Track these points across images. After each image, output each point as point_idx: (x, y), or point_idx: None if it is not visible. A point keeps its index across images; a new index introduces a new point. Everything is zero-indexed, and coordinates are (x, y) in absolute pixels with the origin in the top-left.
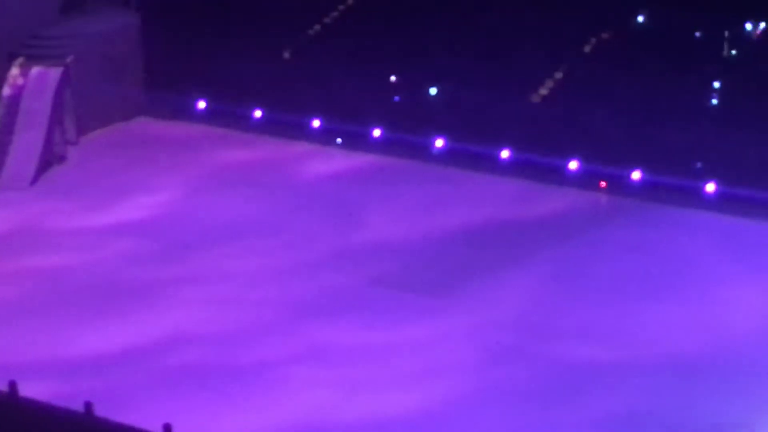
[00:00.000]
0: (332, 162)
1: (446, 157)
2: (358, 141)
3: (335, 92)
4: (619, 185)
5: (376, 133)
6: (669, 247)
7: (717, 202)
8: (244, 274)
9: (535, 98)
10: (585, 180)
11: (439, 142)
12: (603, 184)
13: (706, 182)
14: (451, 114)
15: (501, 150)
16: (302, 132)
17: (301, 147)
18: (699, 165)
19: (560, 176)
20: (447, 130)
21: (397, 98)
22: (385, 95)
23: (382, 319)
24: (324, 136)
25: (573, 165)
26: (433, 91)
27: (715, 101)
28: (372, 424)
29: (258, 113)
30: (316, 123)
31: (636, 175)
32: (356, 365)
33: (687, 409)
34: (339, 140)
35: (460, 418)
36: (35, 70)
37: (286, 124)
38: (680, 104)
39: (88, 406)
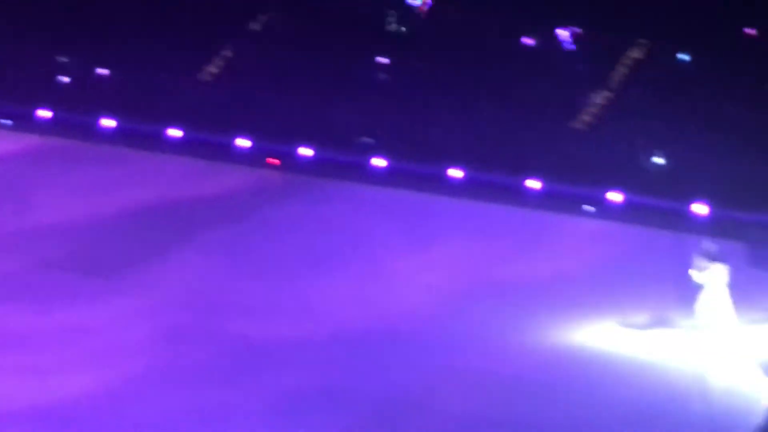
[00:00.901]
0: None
1: (116, 137)
2: (25, 122)
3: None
4: (290, 162)
5: (45, 114)
6: (340, 222)
7: (386, 177)
8: None
9: (205, 76)
10: (255, 157)
11: (109, 123)
12: (273, 161)
13: (375, 157)
14: (121, 94)
15: (170, 128)
16: None
17: None
18: (367, 140)
19: (230, 154)
20: (116, 110)
21: (66, 79)
22: (53, 75)
23: (55, 302)
24: None
25: (243, 142)
26: (102, 71)
27: (383, 77)
28: (47, 407)
29: None
30: None
31: (306, 151)
32: (30, 349)
33: (359, 382)
34: (8, 122)
35: (136, 398)
36: None
37: None
38: (348, 81)
39: None
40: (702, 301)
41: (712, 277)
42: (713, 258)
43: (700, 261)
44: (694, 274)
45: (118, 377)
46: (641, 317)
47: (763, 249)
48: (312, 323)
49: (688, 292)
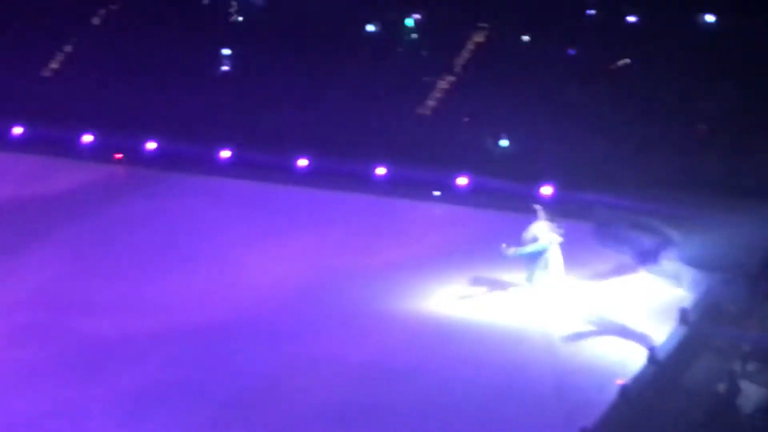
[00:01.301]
0: None
1: None
2: None
3: None
4: (135, 156)
5: None
6: (188, 215)
7: (232, 168)
8: None
9: (46, 72)
10: (100, 152)
11: None
12: (118, 156)
13: (222, 149)
14: None
15: (13, 126)
16: None
17: None
18: (214, 132)
19: (74, 150)
20: None
21: None
22: None
23: None
24: None
25: (87, 138)
26: None
27: (226, 68)
28: None
29: None
30: None
31: (151, 145)
32: None
33: (211, 375)
34: None
35: None
36: None
37: None
38: (192, 72)
39: None
40: (542, 262)
41: (550, 239)
42: (550, 221)
43: (538, 224)
44: (536, 234)
45: None
46: (487, 292)
47: (608, 228)
48: (161, 318)
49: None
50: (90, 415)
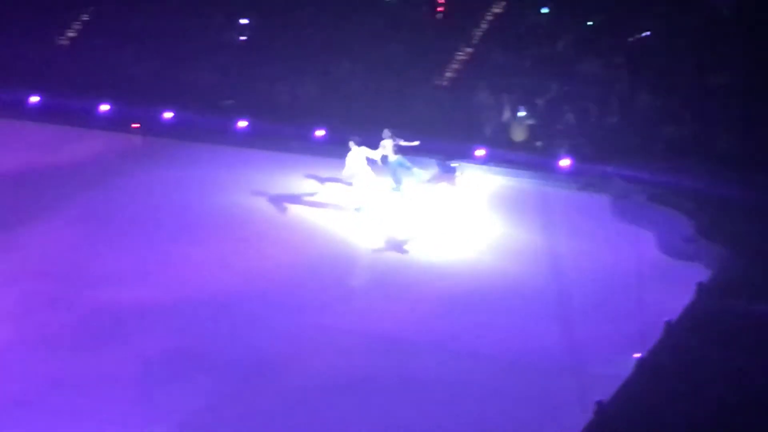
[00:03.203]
0: None
1: None
2: None
3: None
4: (152, 126)
5: None
6: (205, 185)
7: (249, 138)
8: None
9: (63, 42)
10: (117, 122)
11: None
12: (135, 125)
13: (238, 119)
14: None
15: (30, 96)
16: None
17: None
18: (230, 102)
19: (92, 119)
20: None
21: None
22: None
23: None
24: None
25: (104, 108)
26: None
27: (240, 38)
28: None
29: None
30: None
31: (168, 114)
32: None
33: (226, 345)
34: None
35: (3, 365)
36: None
37: None
38: (210, 42)
39: None
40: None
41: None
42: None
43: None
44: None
45: None
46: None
47: (625, 200)
48: (178, 288)
49: None
50: (104, 384)
